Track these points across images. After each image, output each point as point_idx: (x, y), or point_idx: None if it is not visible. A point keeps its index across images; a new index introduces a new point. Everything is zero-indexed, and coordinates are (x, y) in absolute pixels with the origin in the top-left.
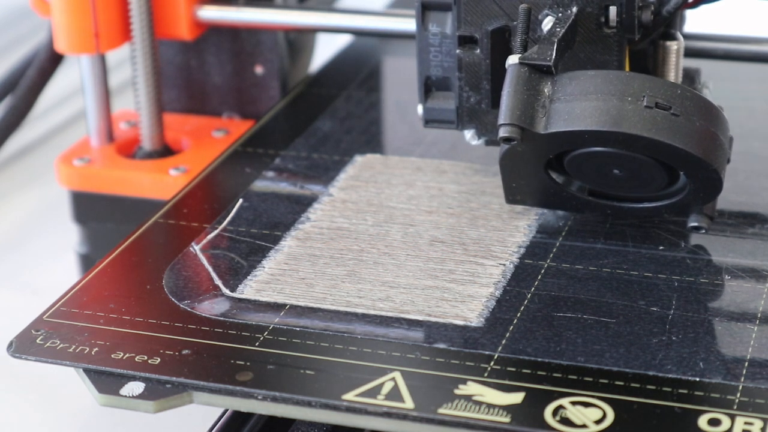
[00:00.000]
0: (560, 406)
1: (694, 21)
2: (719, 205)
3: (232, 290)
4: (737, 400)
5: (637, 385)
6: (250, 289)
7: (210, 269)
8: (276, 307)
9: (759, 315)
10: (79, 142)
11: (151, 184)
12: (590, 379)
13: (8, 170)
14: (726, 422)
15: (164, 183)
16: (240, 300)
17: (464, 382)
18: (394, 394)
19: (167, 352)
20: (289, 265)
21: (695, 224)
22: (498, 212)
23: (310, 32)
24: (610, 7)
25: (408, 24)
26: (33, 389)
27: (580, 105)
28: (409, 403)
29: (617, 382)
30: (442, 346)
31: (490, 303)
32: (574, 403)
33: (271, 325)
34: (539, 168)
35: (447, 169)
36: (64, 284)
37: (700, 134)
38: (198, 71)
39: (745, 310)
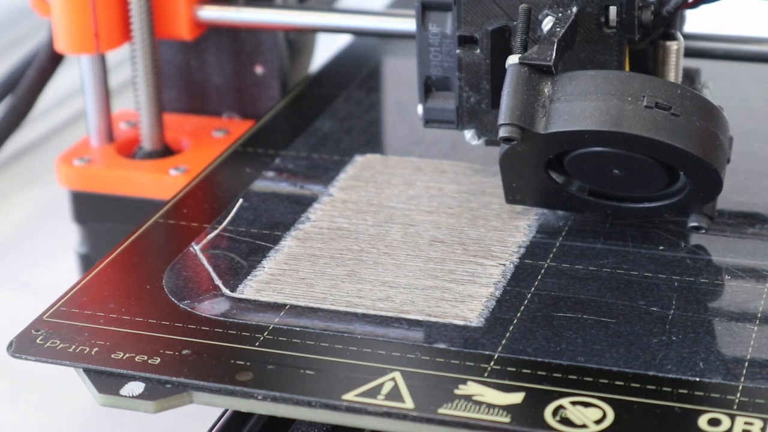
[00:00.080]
0: (560, 406)
1: (694, 21)
2: (719, 205)
3: (232, 290)
4: (737, 400)
5: (637, 385)
6: (250, 289)
7: (210, 269)
8: (276, 307)
9: (759, 315)
10: (79, 142)
11: (151, 184)
12: (590, 379)
13: (8, 170)
14: (726, 422)
15: (164, 183)
16: (240, 300)
17: (464, 382)
18: (394, 394)
19: (167, 352)
20: (289, 265)
21: (695, 224)
22: (498, 212)
23: (310, 32)
24: (610, 7)
25: (408, 24)
26: (33, 389)
27: (580, 105)
28: (409, 403)
29: (617, 382)
30: (442, 346)
31: (490, 303)
32: (574, 403)
33: (271, 325)
34: (539, 168)
35: (447, 169)
36: (64, 284)
37: (700, 134)
38: (198, 71)
39: (745, 310)
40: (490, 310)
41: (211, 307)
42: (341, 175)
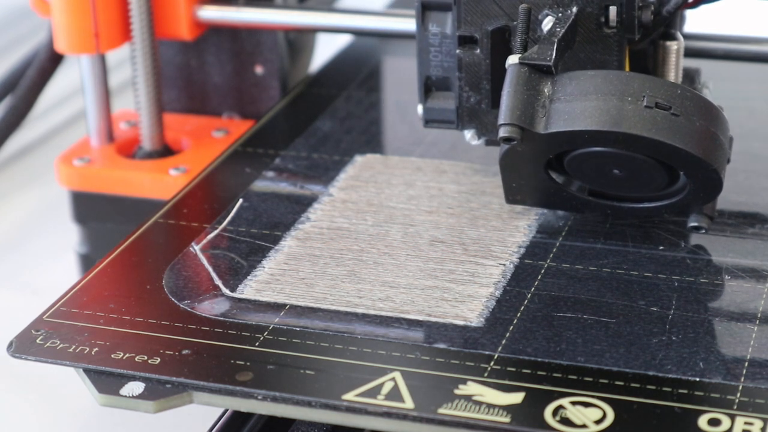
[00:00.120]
0: (560, 406)
1: (694, 21)
2: (719, 205)
3: (232, 290)
4: (737, 400)
5: (637, 385)
6: (250, 289)
7: (210, 269)
8: (276, 307)
9: (759, 315)
10: (79, 142)
11: (151, 184)
12: (590, 379)
13: (8, 170)
14: (726, 422)
15: (164, 183)
16: (240, 300)
17: (464, 382)
18: (394, 394)
19: (167, 352)
20: (289, 265)
21: (695, 224)
22: (498, 212)
23: (310, 32)
24: (610, 7)
25: (408, 24)
26: (33, 389)
27: (580, 105)
28: (409, 403)
29: (617, 382)
30: (442, 346)
31: (490, 303)
32: (574, 403)
33: (271, 325)
34: (539, 168)
35: (447, 169)
36: (64, 284)
37: (700, 134)
38: (198, 71)
39: (745, 310)
40: (490, 310)
41: (211, 307)
42: (341, 175)
